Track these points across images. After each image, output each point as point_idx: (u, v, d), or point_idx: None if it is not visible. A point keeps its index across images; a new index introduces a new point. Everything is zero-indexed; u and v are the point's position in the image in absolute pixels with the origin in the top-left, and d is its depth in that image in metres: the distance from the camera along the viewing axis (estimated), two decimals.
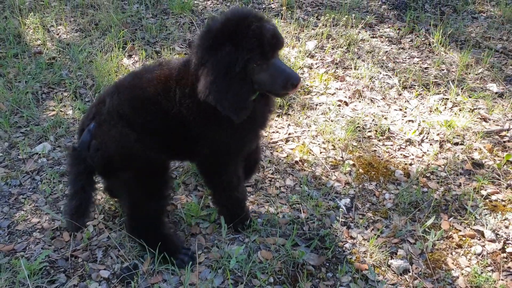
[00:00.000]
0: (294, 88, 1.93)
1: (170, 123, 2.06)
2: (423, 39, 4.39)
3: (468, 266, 2.31)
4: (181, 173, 2.84)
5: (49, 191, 2.71)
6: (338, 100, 3.54)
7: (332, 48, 4.23)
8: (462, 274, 2.27)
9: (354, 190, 2.75)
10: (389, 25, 4.70)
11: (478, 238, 2.47)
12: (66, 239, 2.42)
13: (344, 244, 2.41)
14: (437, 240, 2.43)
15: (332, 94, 3.63)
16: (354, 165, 2.94)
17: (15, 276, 2.18)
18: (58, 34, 4.42)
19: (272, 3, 5.10)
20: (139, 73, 2.17)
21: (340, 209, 2.58)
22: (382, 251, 2.35)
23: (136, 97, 2.08)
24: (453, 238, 2.46)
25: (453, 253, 2.39)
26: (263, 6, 5.04)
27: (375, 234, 2.45)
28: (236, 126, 2.02)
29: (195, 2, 5.01)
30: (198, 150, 2.15)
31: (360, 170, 2.89)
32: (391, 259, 2.33)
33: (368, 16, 4.68)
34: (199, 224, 2.49)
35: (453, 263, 2.33)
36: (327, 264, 2.30)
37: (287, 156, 3.01)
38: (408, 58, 4.17)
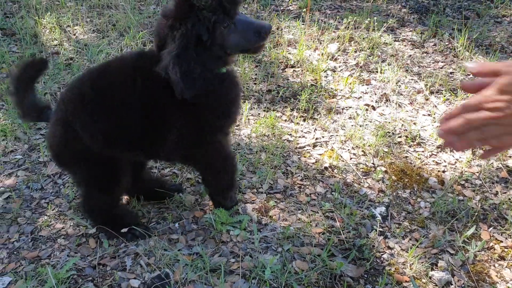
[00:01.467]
0: (267, 36, 1.89)
1: (129, 114, 2.01)
2: (446, 43, 4.30)
3: None
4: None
5: (73, 196, 2.62)
6: (365, 104, 3.45)
7: (355, 51, 4.14)
8: (508, 287, 2.17)
9: (389, 198, 2.66)
10: (411, 29, 4.61)
11: None
12: (92, 246, 2.33)
13: (382, 254, 2.31)
14: (478, 251, 2.33)
15: (358, 98, 3.54)
16: (386, 172, 2.84)
17: (42, 285, 2.08)
18: (74, 35, 4.35)
19: (291, 5, 5.02)
20: (110, 61, 2.19)
21: (377, 218, 2.48)
22: (422, 262, 2.26)
23: (98, 79, 2.04)
24: (494, 249, 2.36)
25: (496, 265, 2.29)
26: (281, 8, 4.96)
27: (413, 245, 2.36)
28: (201, 111, 1.99)
29: None
30: (171, 138, 2.08)
31: (393, 177, 2.80)
32: (431, 271, 2.23)
33: (389, 20, 4.60)
34: (229, 231, 2.39)
35: (496, 275, 2.23)
36: (366, 276, 2.20)
37: (316, 162, 2.91)
38: (433, 63, 4.08)
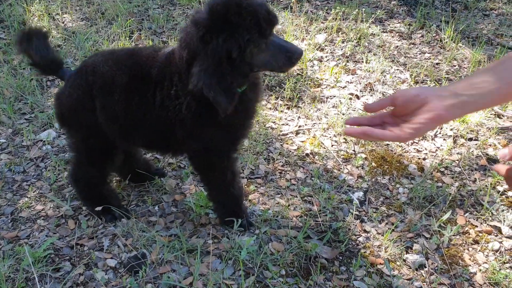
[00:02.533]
0: (297, 61, 1.84)
1: (146, 121, 2.01)
2: (434, 35, 4.32)
3: (486, 263, 2.24)
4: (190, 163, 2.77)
5: (54, 179, 2.64)
6: (349, 94, 3.47)
7: (342, 42, 4.16)
8: (480, 270, 2.20)
9: (367, 184, 2.68)
10: (399, 21, 4.63)
11: (495, 234, 2.40)
12: (71, 227, 2.35)
13: (358, 237, 2.34)
14: (453, 235, 2.36)
15: (343, 88, 3.56)
16: (366, 158, 2.87)
17: (19, 264, 2.10)
18: (63, 23, 4.36)
19: None
20: (143, 50, 2.11)
21: (354, 202, 2.51)
22: (397, 246, 2.29)
23: (122, 64, 2.01)
24: (469, 234, 2.39)
25: (470, 248, 2.32)
26: None
27: (389, 228, 2.38)
28: (228, 120, 1.91)
29: None
30: (185, 147, 2.09)
31: (373, 163, 2.83)
32: (406, 254, 2.26)
33: (378, 11, 4.61)
34: (209, 214, 2.41)
35: (470, 259, 2.26)
36: (341, 258, 2.23)
37: (298, 148, 2.94)
38: (419, 54, 4.10)
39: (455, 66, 3.90)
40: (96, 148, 2.20)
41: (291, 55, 1.78)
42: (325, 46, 4.10)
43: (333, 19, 4.39)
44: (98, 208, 2.26)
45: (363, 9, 4.49)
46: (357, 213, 2.46)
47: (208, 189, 2.26)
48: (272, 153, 2.89)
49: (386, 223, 2.44)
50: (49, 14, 4.40)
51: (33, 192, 2.56)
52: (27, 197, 2.53)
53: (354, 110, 3.30)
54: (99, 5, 4.57)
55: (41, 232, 2.33)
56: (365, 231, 2.38)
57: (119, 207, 2.35)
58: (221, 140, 2.02)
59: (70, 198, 2.50)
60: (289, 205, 2.49)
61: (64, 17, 4.41)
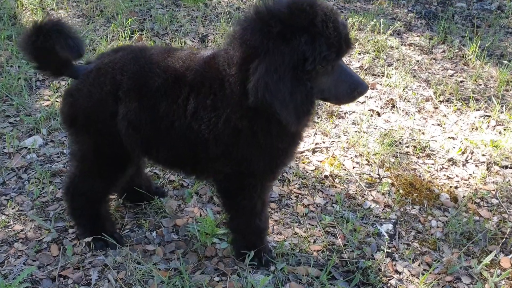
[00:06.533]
0: (360, 96, 1.59)
1: (173, 132, 1.69)
2: (456, 50, 4.03)
3: None
4: (194, 182, 2.43)
5: (38, 193, 2.29)
6: (369, 110, 3.16)
7: (359, 54, 3.86)
8: None
9: (396, 214, 2.36)
10: (418, 34, 4.35)
11: None
12: (54, 253, 2.00)
13: (390, 279, 2.01)
14: (500, 280, 2.04)
15: (362, 103, 3.25)
16: (393, 184, 2.55)
17: None
18: (58, 19, 4.01)
19: None
20: (178, 52, 1.77)
21: (386, 238, 2.18)
22: None
23: (149, 67, 1.70)
24: None
25: None
26: None
27: (424, 270, 2.06)
28: (273, 143, 1.64)
29: None
30: (214, 168, 1.76)
31: (401, 190, 2.50)
32: None
33: (396, 23, 4.32)
34: (215, 244, 2.07)
35: None
36: None
37: (316, 169, 2.61)
38: (442, 70, 3.81)
39: (480, 85, 3.61)
40: (108, 158, 1.86)
41: (354, 88, 1.53)
42: None
43: (349, 29, 4.09)
44: (88, 239, 1.92)
45: (381, 20, 4.20)
46: (387, 250, 2.13)
47: (231, 217, 1.92)
48: (286, 173, 2.56)
49: (420, 263, 2.11)
50: (43, 8, 4.07)
51: (12, 208, 2.21)
52: (4, 214, 2.18)
53: (375, 128, 2.99)
54: (98, 2, 4.24)
55: (18, 258, 1.97)
56: (397, 271, 2.06)
57: (112, 233, 2.00)
58: (260, 165, 1.69)
59: (54, 217, 2.15)
60: (308, 237, 2.16)
61: (60, 13, 4.07)
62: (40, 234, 2.09)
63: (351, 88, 1.51)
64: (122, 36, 3.61)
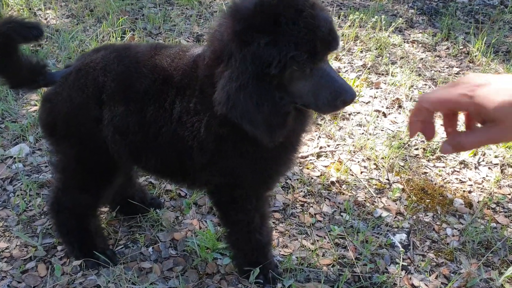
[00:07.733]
0: (344, 106, 1.35)
1: (161, 138, 1.52)
2: (461, 47, 3.90)
3: None
4: (192, 192, 2.27)
5: (24, 207, 2.12)
6: (375, 110, 3.01)
7: (361, 52, 3.71)
8: None
9: (409, 223, 2.21)
10: (421, 31, 4.20)
11: None
12: (41, 274, 1.84)
13: None
14: None
15: (367, 103, 3.10)
16: (404, 190, 2.40)
17: None
18: (46, 19, 3.85)
19: None
20: (166, 49, 1.59)
21: (401, 250, 2.03)
22: None
23: (135, 65, 1.53)
24: None
25: None
26: None
27: (442, 283, 1.91)
28: (261, 153, 1.46)
29: None
30: (202, 179, 1.60)
31: (412, 197, 2.36)
32: None
33: (398, 20, 4.18)
34: (217, 260, 1.92)
35: None
36: None
37: (321, 175, 2.46)
38: (447, 68, 3.67)
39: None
40: (93, 168, 1.69)
41: (337, 96, 1.27)
42: (342, 56, 3.64)
43: (349, 26, 3.95)
44: (77, 262, 1.75)
45: (382, 16, 4.05)
46: (403, 262, 1.98)
47: (228, 233, 1.76)
48: (290, 179, 2.41)
49: (437, 275, 1.97)
50: (30, 9, 3.89)
51: None
52: None
53: (382, 130, 2.84)
54: (87, 1, 4.07)
55: (2, 280, 1.81)
56: (413, 286, 1.91)
57: (105, 250, 1.84)
58: (249, 176, 1.52)
59: (42, 233, 1.99)
60: (317, 249, 2.00)
61: (47, 13, 3.90)
62: (26, 252, 1.93)
63: (332, 96, 1.27)
64: (113, 36, 3.44)
